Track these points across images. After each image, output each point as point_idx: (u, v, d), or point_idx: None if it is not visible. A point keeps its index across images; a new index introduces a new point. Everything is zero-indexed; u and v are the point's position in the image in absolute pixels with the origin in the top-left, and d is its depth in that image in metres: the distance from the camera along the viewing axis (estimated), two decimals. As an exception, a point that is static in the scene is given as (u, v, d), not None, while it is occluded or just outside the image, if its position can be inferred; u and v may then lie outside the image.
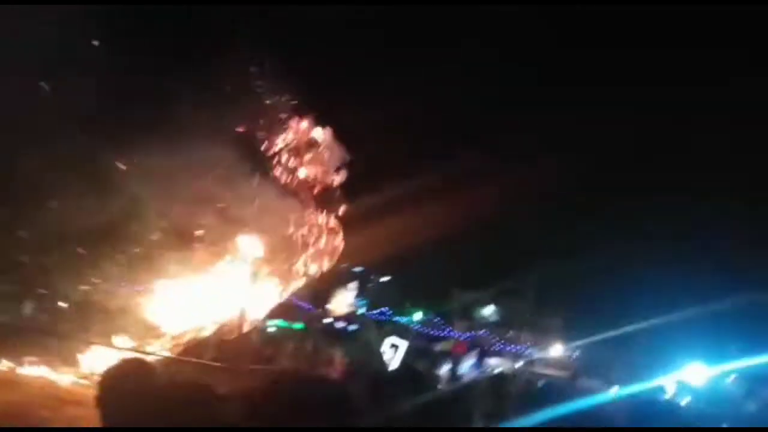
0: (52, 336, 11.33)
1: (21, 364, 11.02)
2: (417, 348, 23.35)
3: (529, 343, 30.31)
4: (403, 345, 15.91)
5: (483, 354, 24.32)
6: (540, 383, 13.17)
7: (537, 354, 26.88)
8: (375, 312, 29.00)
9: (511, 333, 35.55)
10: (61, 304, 13.05)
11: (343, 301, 19.36)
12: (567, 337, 29.79)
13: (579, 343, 25.29)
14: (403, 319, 29.15)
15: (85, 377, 10.81)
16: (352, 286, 20.12)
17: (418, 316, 29.66)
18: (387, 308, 29.48)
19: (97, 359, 10.83)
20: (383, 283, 46.69)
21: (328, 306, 19.27)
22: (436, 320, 29.79)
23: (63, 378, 10.95)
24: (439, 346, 21.05)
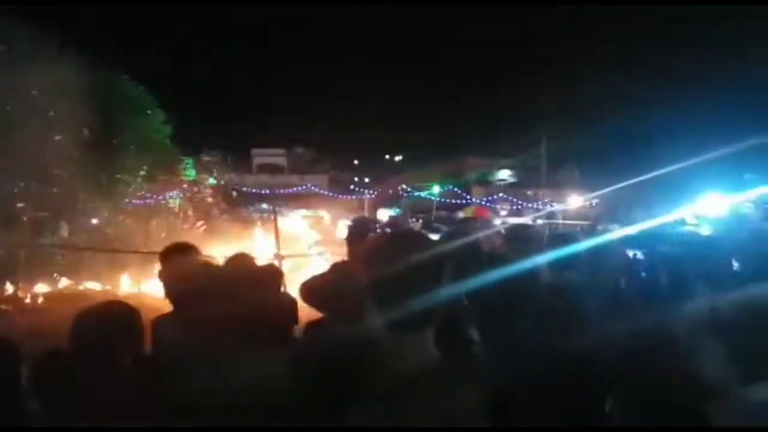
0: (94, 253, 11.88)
1: (79, 281, 11.79)
2: (440, 217, 24.10)
3: (547, 199, 30.85)
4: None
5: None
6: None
7: (556, 208, 27.41)
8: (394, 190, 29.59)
9: (528, 192, 36.19)
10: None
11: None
12: (584, 187, 30.22)
13: (597, 193, 25.65)
14: (423, 194, 29.70)
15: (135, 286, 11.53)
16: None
17: (436, 189, 30.12)
18: (406, 185, 29.97)
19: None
20: (397, 162, 46.97)
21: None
22: (454, 190, 30.24)
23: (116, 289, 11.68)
24: (460, 214, 21.56)
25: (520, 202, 30.28)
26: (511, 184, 41.35)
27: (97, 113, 12.05)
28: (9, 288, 10.62)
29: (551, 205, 28.21)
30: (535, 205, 28.58)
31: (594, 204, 27.04)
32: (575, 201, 27.54)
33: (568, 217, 25.17)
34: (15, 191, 12.25)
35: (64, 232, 14.88)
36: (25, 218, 11.67)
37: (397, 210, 24.45)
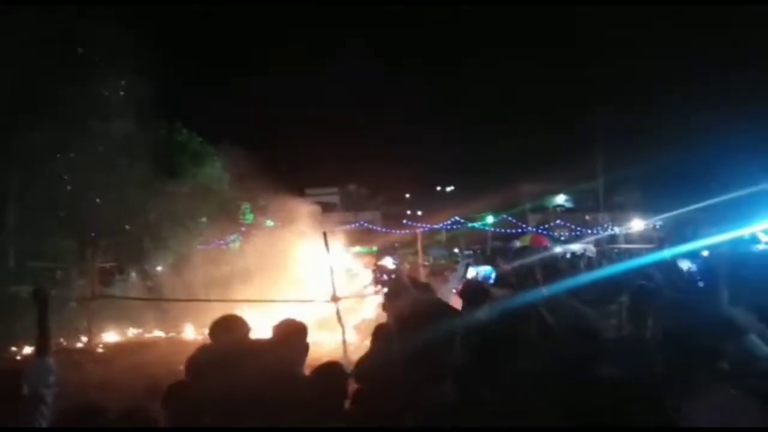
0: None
1: (146, 329, 12.28)
2: (494, 248, 23.72)
3: (607, 224, 29.92)
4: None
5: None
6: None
7: (618, 231, 26.53)
8: (448, 223, 29.40)
9: (587, 216, 35.21)
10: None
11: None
12: (645, 209, 29.15)
13: (661, 216, 24.70)
14: (476, 224, 29.37)
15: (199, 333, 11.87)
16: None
17: (490, 219, 29.74)
18: (459, 217, 29.73)
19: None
20: (449, 193, 46.78)
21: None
22: (509, 219, 29.78)
23: (181, 335, 12.05)
24: (517, 243, 21.16)
25: (578, 227, 29.47)
26: (568, 209, 40.40)
27: (162, 166, 12.71)
28: (80, 339, 11.08)
29: (612, 229, 27.35)
30: (594, 230, 27.75)
31: (659, 226, 25.99)
32: (637, 224, 26.60)
33: (631, 240, 24.29)
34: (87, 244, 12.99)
35: (132, 279, 15.57)
36: (97, 267, 12.27)
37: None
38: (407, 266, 20.27)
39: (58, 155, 14.43)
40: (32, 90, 12.07)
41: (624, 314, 3.32)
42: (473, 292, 4.18)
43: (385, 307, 3.68)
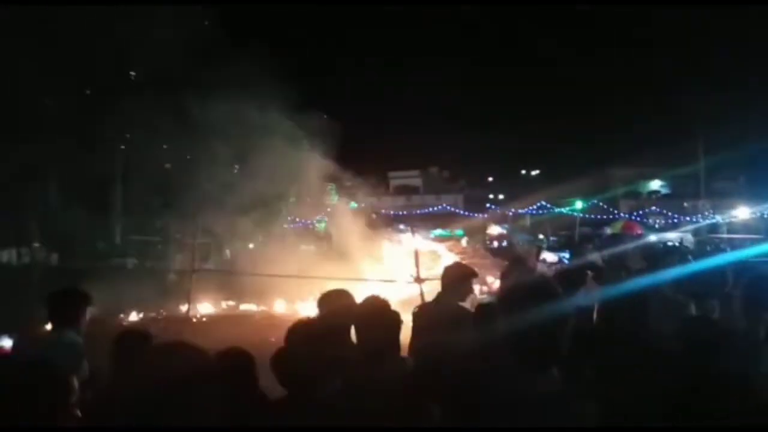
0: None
1: (239, 302, 12.99)
2: (583, 234, 22.84)
3: (708, 212, 27.96)
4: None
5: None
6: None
7: (720, 220, 24.75)
8: (533, 207, 28.63)
9: (685, 203, 33.04)
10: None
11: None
12: (753, 195, 26.90)
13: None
14: (564, 210, 28.40)
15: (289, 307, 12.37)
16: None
17: (578, 204, 28.63)
18: (545, 202, 28.88)
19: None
20: (534, 177, 45.52)
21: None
22: (599, 205, 28.54)
23: (272, 310, 12.62)
24: (608, 230, 20.25)
25: (675, 215, 27.75)
26: (665, 195, 38.13)
27: (254, 147, 13.27)
28: (181, 309, 11.86)
29: (713, 217, 25.57)
30: (693, 218, 26.05)
31: (766, 215, 23.99)
32: (742, 212, 24.70)
33: (734, 230, 22.63)
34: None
35: (227, 256, 16.43)
36: (195, 243, 13.05)
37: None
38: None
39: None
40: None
41: (737, 306, 3.10)
42: (574, 274, 4.09)
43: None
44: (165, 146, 16.20)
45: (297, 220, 16.24)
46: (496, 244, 23.20)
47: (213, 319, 11.88)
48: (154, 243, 19.13)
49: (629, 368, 2.30)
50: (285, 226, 15.56)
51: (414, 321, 3.89)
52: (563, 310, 1.72)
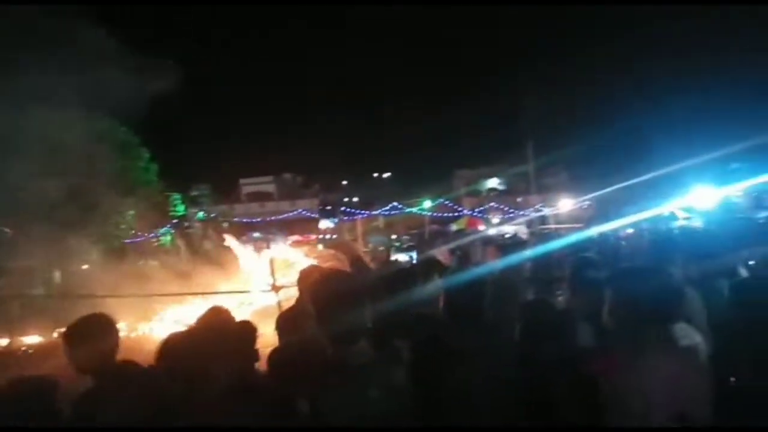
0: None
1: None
2: (432, 232, 24.05)
3: (538, 205, 30.91)
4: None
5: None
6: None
7: (547, 212, 27.45)
8: (386, 209, 29.54)
9: (518, 199, 36.27)
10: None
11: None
12: (573, 189, 30.32)
13: (588, 195, 25.77)
14: (414, 210, 29.67)
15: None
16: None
17: (427, 204, 30.11)
18: (397, 203, 29.93)
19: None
20: (386, 179, 46.94)
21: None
22: (445, 203, 30.26)
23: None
24: (453, 227, 21.54)
25: (510, 210, 30.33)
26: (501, 192, 41.47)
27: (83, 157, 11.98)
28: (2, 341, 10.41)
29: (541, 210, 28.28)
30: (525, 212, 28.62)
31: (586, 206, 27.10)
32: (565, 204, 27.61)
33: (561, 221, 25.19)
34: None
35: (57, 279, 14.69)
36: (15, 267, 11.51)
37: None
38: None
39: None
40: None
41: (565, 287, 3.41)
42: (427, 264, 4.23)
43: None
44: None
45: (138, 234, 15.00)
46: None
47: (41, 350, 10.55)
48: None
49: (467, 350, 2.41)
50: (124, 241, 14.26)
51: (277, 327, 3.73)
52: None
